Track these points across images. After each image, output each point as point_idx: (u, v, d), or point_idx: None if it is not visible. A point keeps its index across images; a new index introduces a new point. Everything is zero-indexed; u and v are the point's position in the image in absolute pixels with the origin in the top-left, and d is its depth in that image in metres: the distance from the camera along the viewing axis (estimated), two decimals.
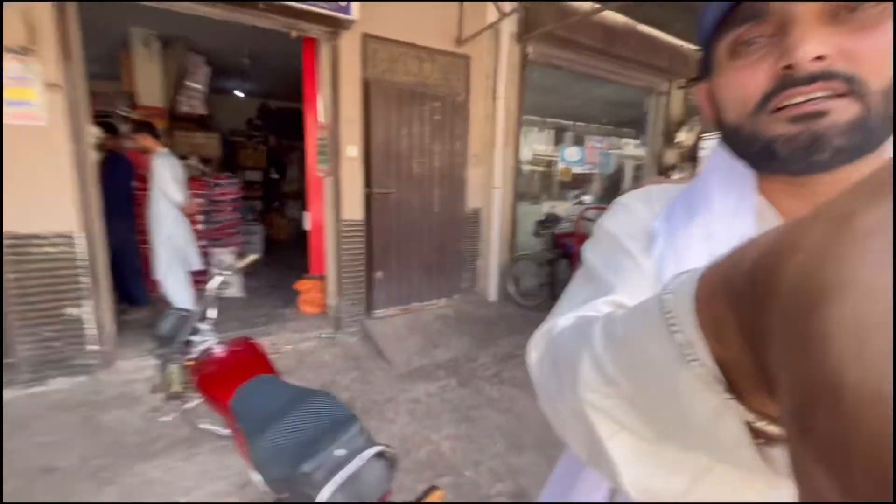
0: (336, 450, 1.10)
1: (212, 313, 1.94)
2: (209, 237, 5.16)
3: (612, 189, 6.86)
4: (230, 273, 1.98)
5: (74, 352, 2.98)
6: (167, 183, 3.48)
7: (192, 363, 1.75)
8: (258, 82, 8.90)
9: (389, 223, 4.07)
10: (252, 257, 2.12)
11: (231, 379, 1.62)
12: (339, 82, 3.65)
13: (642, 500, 0.34)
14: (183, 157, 6.14)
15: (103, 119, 5.76)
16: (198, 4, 3.01)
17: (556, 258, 4.49)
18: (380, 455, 1.12)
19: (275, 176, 9.79)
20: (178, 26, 5.71)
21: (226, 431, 1.71)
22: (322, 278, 4.24)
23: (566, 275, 4.45)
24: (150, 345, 3.41)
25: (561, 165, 6.34)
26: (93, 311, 3.00)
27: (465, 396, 3.16)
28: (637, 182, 6.91)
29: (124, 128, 5.82)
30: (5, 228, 2.69)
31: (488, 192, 4.77)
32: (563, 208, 5.78)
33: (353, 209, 3.88)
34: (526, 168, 6.02)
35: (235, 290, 4.90)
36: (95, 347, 3.04)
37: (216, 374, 1.68)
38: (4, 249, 2.70)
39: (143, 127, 3.60)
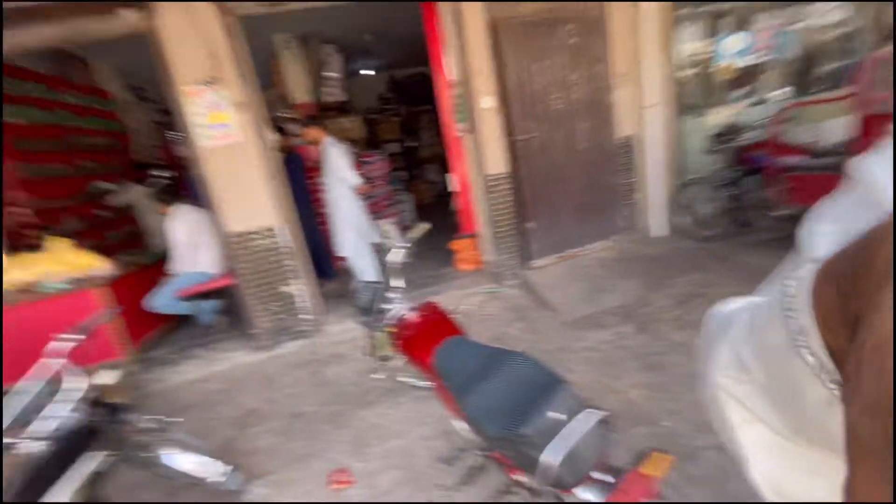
0: (550, 412, 1.09)
1: (398, 283, 2.11)
2: (370, 212, 5.71)
3: (800, 78, 5.33)
4: (409, 245, 2.11)
5: (294, 321, 3.66)
6: (343, 168, 3.77)
7: (391, 329, 1.95)
8: (382, 57, 9.25)
9: (535, 170, 3.90)
10: (424, 226, 2.23)
11: (428, 341, 1.77)
12: (465, 33, 3.51)
13: (774, 500, 0.35)
14: None
15: (272, 124, 6.69)
16: None
17: (741, 176, 3.74)
18: (598, 419, 1.08)
19: (412, 144, 10.27)
20: (310, 22, 6.20)
21: (422, 383, 1.90)
22: (475, 236, 4.34)
23: (758, 195, 3.70)
24: (347, 311, 4.01)
25: (720, 62, 5.09)
26: (301, 288, 3.61)
27: (645, 343, 2.94)
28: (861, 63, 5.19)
29: (290, 127, 6.73)
30: (229, 229, 3.37)
31: (640, 113, 4.17)
32: (731, 114, 4.73)
33: (497, 162, 3.81)
34: (681, 75, 5.06)
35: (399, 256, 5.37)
36: (308, 317, 3.68)
37: (414, 338, 1.84)
38: (232, 246, 3.39)
39: (311, 120, 4.02)
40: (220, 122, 3.20)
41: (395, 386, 2.79)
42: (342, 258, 4.23)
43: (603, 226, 4.23)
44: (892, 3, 4.60)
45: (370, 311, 2.00)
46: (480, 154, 3.75)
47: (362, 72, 10.35)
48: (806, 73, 5.39)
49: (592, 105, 3.93)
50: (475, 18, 3.51)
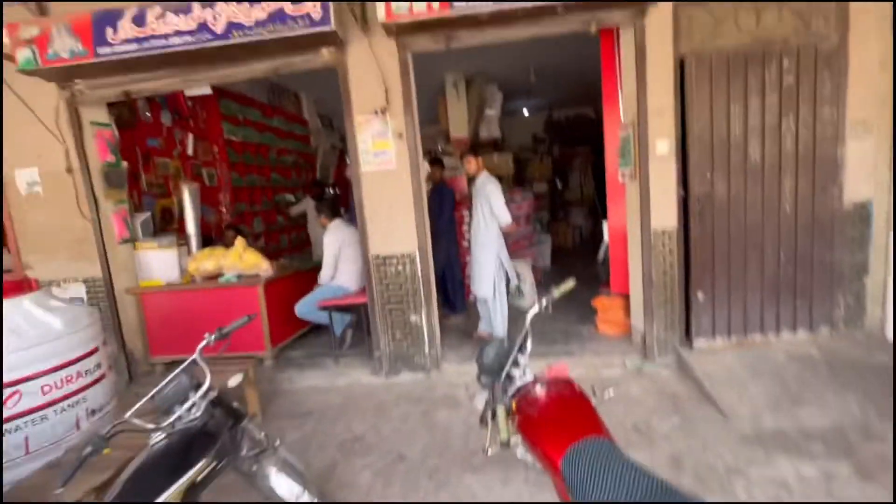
0: None
1: (529, 344, 1.79)
2: (509, 251, 5.50)
3: None
4: (546, 305, 1.79)
5: (415, 352, 3.57)
6: (498, 205, 3.62)
7: (513, 400, 1.63)
8: (542, 97, 9.22)
9: (715, 230, 3.20)
10: (569, 284, 1.88)
11: (558, 434, 1.39)
12: (646, 68, 3.10)
13: None
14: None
15: (428, 155, 7.08)
16: (500, 30, 3.10)
17: None
18: None
19: (559, 185, 9.90)
20: (479, 60, 6.45)
21: (539, 466, 1.53)
22: (625, 296, 3.74)
23: None
24: (467, 352, 3.79)
25: None
26: (426, 319, 3.51)
27: (871, 496, 2.03)
28: None
29: (445, 160, 7.03)
30: (372, 251, 3.46)
31: (886, 174, 3.14)
32: None
33: (665, 215, 3.23)
34: None
35: (531, 302, 4.99)
36: (428, 350, 3.55)
37: (540, 424, 1.48)
38: (371, 267, 3.47)
39: (469, 150, 4.01)
40: (381, 149, 3.35)
41: (509, 458, 2.42)
42: (473, 294, 4.06)
43: (807, 311, 3.24)
44: None
45: (494, 375, 1.71)
46: (645, 204, 3.23)
47: (523, 111, 10.48)
48: None
49: (811, 159, 3.09)
50: (662, 51, 3.08)
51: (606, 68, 3.53)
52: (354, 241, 3.76)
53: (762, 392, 2.80)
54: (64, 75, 3.32)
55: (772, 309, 3.25)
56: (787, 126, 3.07)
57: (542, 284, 5.91)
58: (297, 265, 4.43)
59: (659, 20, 3.06)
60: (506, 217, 3.64)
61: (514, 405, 1.62)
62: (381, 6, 2.87)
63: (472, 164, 3.86)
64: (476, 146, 7.50)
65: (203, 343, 1.73)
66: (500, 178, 7.53)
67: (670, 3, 3.02)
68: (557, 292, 1.82)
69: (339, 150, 8.70)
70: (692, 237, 3.21)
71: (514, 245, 5.59)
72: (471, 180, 4.06)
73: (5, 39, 3.11)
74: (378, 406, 3.25)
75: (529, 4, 2.81)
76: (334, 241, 3.78)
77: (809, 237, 3.16)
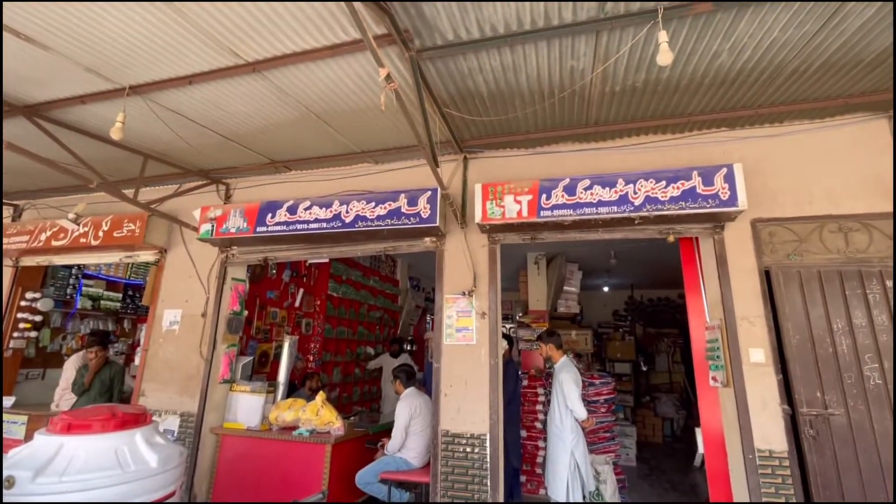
0: None
1: None
2: (587, 444, 5.01)
3: None
4: None
5: None
6: (573, 398, 3.48)
7: None
8: (623, 276, 9.39)
9: (840, 461, 2.73)
10: None
11: None
12: (729, 276, 3.17)
13: None
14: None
15: (503, 325, 7.25)
16: (580, 234, 3.49)
17: None
18: None
19: (644, 367, 9.26)
20: (561, 247, 6.99)
21: None
22: None
23: None
24: None
25: None
26: None
27: None
28: None
29: (520, 332, 7.15)
30: (442, 426, 3.42)
31: None
32: None
33: (769, 434, 2.87)
34: None
35: None
36: None
37: None
38: (439, 443, 3.38)
39: (549, 336, 3.99)
40: (464, 325, 3.60)
41: None
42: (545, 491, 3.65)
43: None
44: None
45: None
46: (744, 418, 2.93)
47: (604, 289, 10.63)
48: None
49: None
50: (745, 262, 3.17)
51: (687, 264, 3.65)
52: (425, 412, 3.76)
53: None
54: (227, 244, 4.25)
55: None
56: None
57: (627, 489, 5.12)
58: (367, 427, 4.43)
59: (738, 234, 3.24)
60: (581, 411, 3.46)
61: None
62: (478, 211, 3.45)
63: (543, 350, 3.87)
64: (553, 325, 7.58)
65: None
66: (579, 356, 7.37)
67: (747, 220, 3.22)
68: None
69: (421, 310, 9.30)
70: (808, 466, 2.76)
71: (593, 436, 5.09)
72: (548, 361, 4.04)
73: (196, 215, 4.17)
74: None
75: (607, 216, 3.19)
76: (406, 410, 3.82)
77: None
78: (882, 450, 2.70)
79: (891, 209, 3.03)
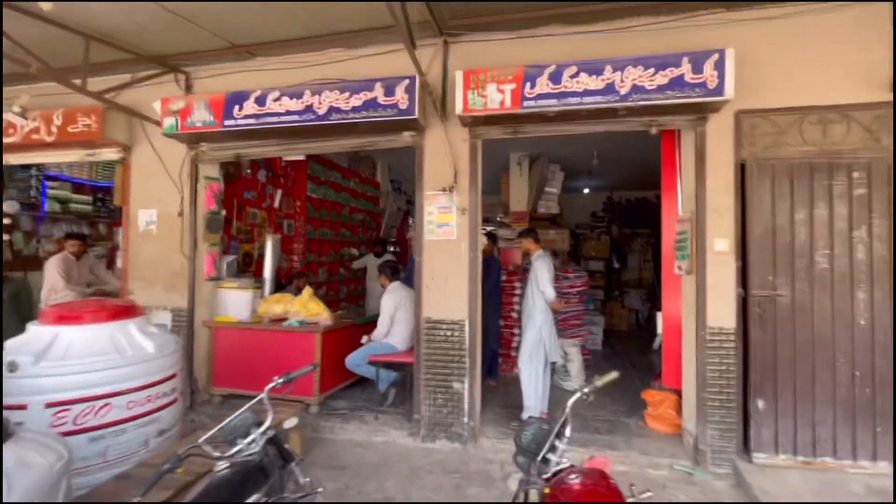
0: None
1: (567, 431, 1.82)
2: (557, 329, 5.46)
3: None
4: (588, 394, 1.83)
5: (454, 420, 3.59)
6: (544, 281, 3.78)
7: (548, 489, 1.64)
8: (603, 178, 9.43)
9: (778, 336, 3.06)
10: (612, 375, 1.91)
11: None
12: (705, 169, 3.22)
13: None
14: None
15: (485, 226, 7.38)
16: (563, 126, 3.40)
17: None
18: None
19: (616, 265, 9.77)
20: (544, 145, 6.86)
21: None
22: (677, 392, 3.59)
23: None
24: (505, 428, 3.73)
25: None
26: (469, 389, 3.56)
27: None
28: None
29: (501, 231, 7.32)
30: (424, 314, 3.65)
31: None
32: None
33: (722, 314, 3.16)
34: None
35: (578, 384, 4.86)
36: (467, 420, 3.56)
37: None
38: (422, 330, 3.64)
39: (528, 232, 4.19)
40: (445, 221, 3.65)
41: None
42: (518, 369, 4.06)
43: (888, 442, 2.92)
44: None
45: (531, 456, 1.75)
46: (701, 299, 3.19)
47: (584, 190, 10.71)
48: None
49: (887, 272, 2.95)
50: (723, 155, 3.20)
51: (666, 162, 3.68)
52: (409, 303, 3.98)
53: None
54: (194, 139, 4.02)
55: (847, 431, 2.97)
56: (859, 237, 2.99)
57: (592, 367, 5.73)
58: (354, 318, 4.70)
59: (720, 126, 3.21)
60: (550, 292, 3.72)
61: (547, 490, 1.64)
62: (459, 101, 3.29)
63: (523, 244, 4.06)
64: (533, 225, 7.73)
65: (272, 384, 1.95)
66: (556, 254, 7.67)
67: (731, 111, 3.17)
68: (600, 382, 1.86)
69: (404, 212, 9.32)
70: (752, 340, 3.10)
71: (564, 324, 5.54)
72: (526, 256, 4.22)
73: (157, 108, 3.88)
74: (412, 471, 3.26)
75: (592, 106, 3.09)
76: (391, 302, 4.02)
77: (888, 357, 2.93)
78: (816, 325, 3.02)
79: (875, 99, 3.01)
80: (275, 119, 3.63)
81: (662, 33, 3.27)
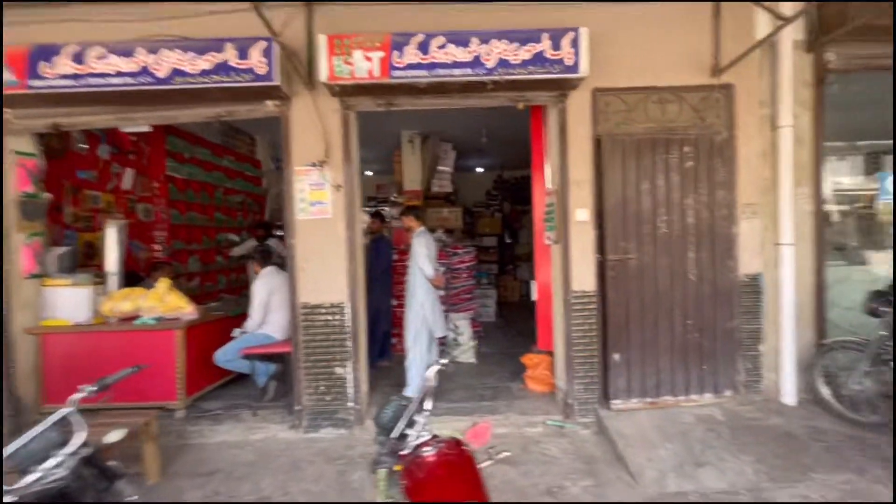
0: None
1: (428, 405, 1.80)
2: (447, 303, 5.57)
3: None
4: (446, 363, 1.83)
5: (339, 406, 3.46)
6: (421, 258, 3.78)
7: (402, 463, 1.61)
8: (494, 157, 9.78)
9: (629, 295, 3.42)
10: (470, 344, 1.93)
11: (439, 498, 1.40)
12: (567, 144, 3.42)
13: None
14: (431, 230, 7.10)
15: (375, 206, 7.23)
16: (436, 99, 3.36)
17: None
18: None
19: (508, 241, 10.28)
20: (434, 123, 6.84)
21: None
22: (551, 354, 3.86)
23: None
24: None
25: (882, 200, 4.10)
26: (352, 372, 3.44)
27: None
28: None
29: (395, 211, 7.20)
30: (300, 299, 3.42)
31: (773, 250, 3.53)
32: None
33: (584, 278, 3.43)
34: (830, 213, 4.28)
35: (469, 356, 5.01)
36: (352, 405, 3.45)
37: (424, 487, 1.48)
38: (298, 315, 3.41)
39: (409, 210, 4.14)
40: (318, 199, 3.42)
41: None
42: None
43: (712, 376, 3.46)
44: None
45: (388, 432, 1.70)
46: (566, 266, 3.43)
47: (478, 169, 10.99)
48: None
49: (710, 234, 3.43)
50: (582, 130, 3.42)
51: (535, 137, 3.85)
52: (285, 288, 3.70)
53: (670, 454, 2.90)
54: None
55: (682, 372, 3.45)
56: (689, 203, 3.43)
57: (483, 338, 5.97)
58: (226, 310, 4.26)
59: (579, 103, 3.42)
60: (428, 269, 3.74)
61: (403, 469, 1.61)
62: (324, 68, 3.05)
63: (404, 222, 4.01)
64: (428, 204, 7.75)
65: (79, 395, 1.63)
66: (450, 231, 7.78)
67: (589, 89, 3.39)
68: (458, 351, 1.87)
69: None
70: (608, 300, 3.42)
71: (455, 298, 5.67)
72: (409, 231, 4.18)
73: None
74: (292, 464, 3.08)
75: (463, 79, 3.07)
76: (264, 287, 3.71)
77: (712, 305, 3.45)
78: (659, 282, 3.43)
79: (701, 82, 3.43)
80: (100, 81, 3.04)
81: (525, 8, 3.35)
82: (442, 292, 4.28)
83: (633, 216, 3.41)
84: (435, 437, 1.76)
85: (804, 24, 3.50)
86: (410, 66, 3.04)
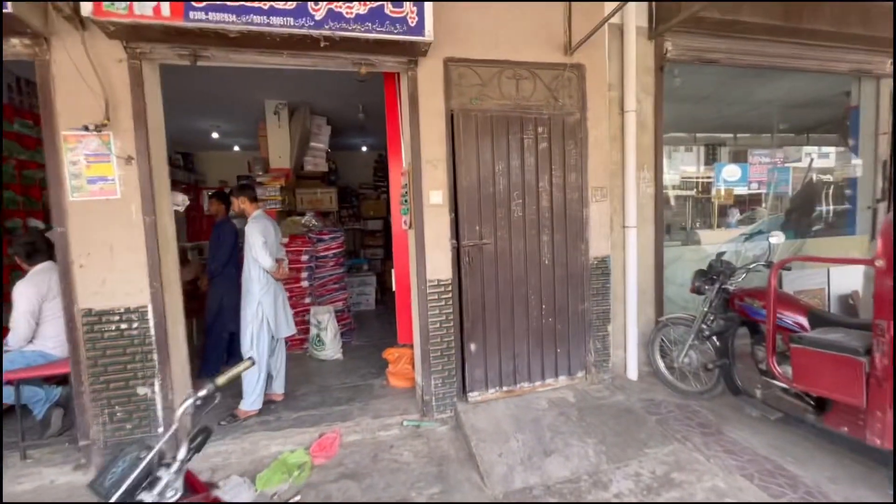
0: None
1: (181, 453, 1.34)
2: (313, 294, 5.04)
3: (799, 216, 4.94)
4: (204, 396, 1.38)
5: (144, 434, 2.78)
6: (256, 248, 3.20)
7: None
8: (377, 136, 9.24)
9: (484, 281, 3.25)
10: (243, 366, 1.50)
11: None
12: (419, 119, 3.08)
13: None
14: (299, 214, 6.38)
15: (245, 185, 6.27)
16: (259, 56, 2.77)
17: (730, 327, 3.05)
18: None
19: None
20: (299, 92, 6.09)
21: None
22: (410, 347, 3.59)
23: (750, 352, 2.99)
24: (221, 431, 3.11)
25: (717, 187, 4.64)
26: (160, 391, 2.78)
27: None
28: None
29: (261, 191, 6.32)
30: (81, 305, 2.65)
31: (619, 233, 3.63)
32: (724, 248, 4.20)
33: (440, 266, 3.18)
34: (672, 197, 4.63)
35: (333, 352, 4.57)
36: (162, 430, 2.80)
37: None
38: (79, 325, 2.64)
39: (240, 190, 3.47)
40: (101, 174, 2.64)
41: None
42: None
43: (565, 358, 3.48)
44: None
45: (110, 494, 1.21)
46: (420, 253, 3.14)
47: (363, 149, 10.34)
48: (804, 214, 5.01)
49: (562, 216, 3.39)
50: (435, 103, 3.10)
51: (390, 110, 3.47)
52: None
53: (521, 445, 2.81)
54: None
55: (537, 357, 3.41)
56: (543, 186, 3.34)
57: (356, 330, 5.56)
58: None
59: (431, 73, 3.09)
60: (264, 260, 3.19)
61: None
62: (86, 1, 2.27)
63: (235, 204, 3.38)
64: (300, 183, 7.01)
65: None
66: (324, 214, 7.13)
67: (440, 58, 3.07)
68: (223, 379, 1.43)
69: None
70: (464, 288, 3.22)
71: (321, 289, 5.14)
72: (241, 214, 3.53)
73: None
74: None
75: (285, 30, 2.53)
76: (32, 290, 2.81)
77: (565, 288, 3.44)
78: (514, 268, 3.32)
79: (554, 60, 3.32)
80: None
81: None
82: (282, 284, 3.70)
83: (488, 199, 3.22)
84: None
85: (649, 10, 3.57)
86: (213, 9, 2.41)
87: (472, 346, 3.24)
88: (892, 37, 3.52)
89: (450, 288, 3.20)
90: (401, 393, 3.61)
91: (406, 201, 3.27)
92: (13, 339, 2.82)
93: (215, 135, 8.27)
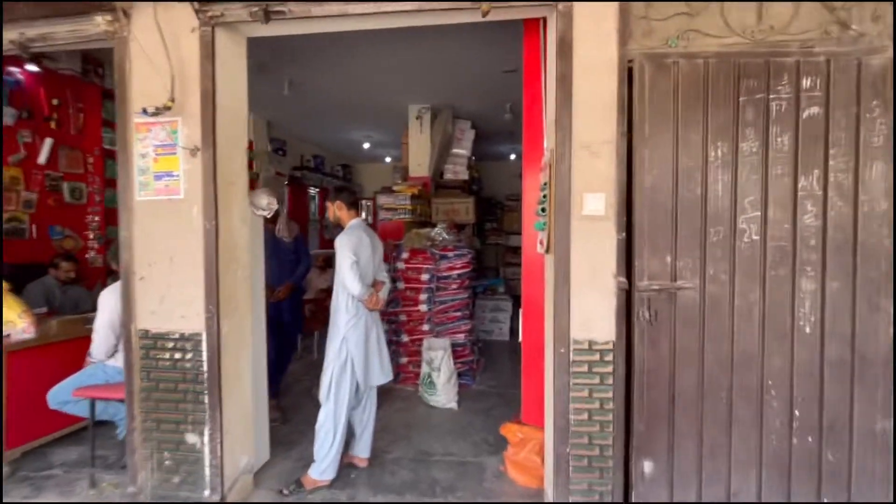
0: None
1: None
2: (431, 321, 4.20)
3: None
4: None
5: (189, 493, 2.22)
6: (343, 268, 2.45)
7: None
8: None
9: (677, 355, 1.86)
10: None
11: None
12: (572, 76, 1.91)
13: None
14: (433, 225, 5.66)
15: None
16: (349, 4, 1.98)
17: None
18: None
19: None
20: (444, 93, 5.60)
21: None
22: (540, 430, 2.38)
23: None
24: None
25: None
26: (209, 442, 2.19)
27: None
28: None
29: (383, 199, 5.94)
30: (139, 325, 2.22)
31: None
32: None
33: (595, 319, 1.91)
34: None
35: (446, 400, 3.59)
36: (208, 493, 2.20)
37: None
38: (134, 350, 2.21)
39: (337, 192, 2.80)
40: (167, 170, 2.18)
41: None
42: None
43: None
44: None
45: None
46: (563, 295, 1.93)
47: (511, 157, 9.47)
48: None
49: (850, 247, 1.79)
50: (597, 55, 1.89)
51: (529, 78, 2.36)
52: None
53: None
54: None
55: (782, 493, 1.84)
56: (807, 189, 1.80)
57: (478, 370, 4.47)
58: (83, 330, 3.07)
59: (597, 8, 1.89)
60: (352, 285, 2.37)
61: None
62: None
63: (330, 210, 2.68)
64: (440, 193, 6.47)
65: None
66: (462, 227, 6.35)
67: None
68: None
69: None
70: (637, 360, 1.88)
71: (441, 315, 4.26)
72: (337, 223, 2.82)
73: None
74: None
75: None
76: (110, 301, 2.54)
77: (846, 384, 1.79)
78: (736, 333, 1.84)
79: None
80: None
81: None
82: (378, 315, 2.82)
83: (691, 209, 1.84)
84: None
85: None
86: None
87: (647, 467, 1.87)
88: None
89: (611, 357, 1.90)
90: (522, 493, 2.42)
91: (544, 210, 2.11)
92: (95, 351, 2.59)
93: (367, 145, 8.35)
